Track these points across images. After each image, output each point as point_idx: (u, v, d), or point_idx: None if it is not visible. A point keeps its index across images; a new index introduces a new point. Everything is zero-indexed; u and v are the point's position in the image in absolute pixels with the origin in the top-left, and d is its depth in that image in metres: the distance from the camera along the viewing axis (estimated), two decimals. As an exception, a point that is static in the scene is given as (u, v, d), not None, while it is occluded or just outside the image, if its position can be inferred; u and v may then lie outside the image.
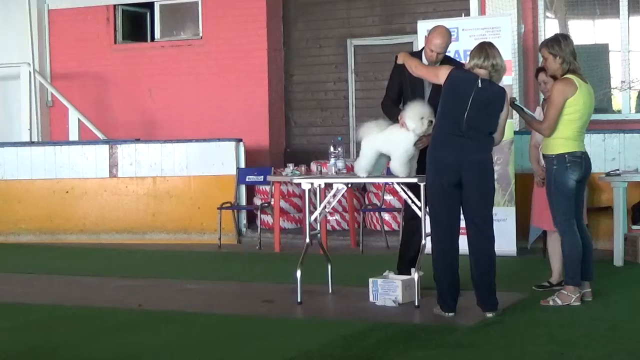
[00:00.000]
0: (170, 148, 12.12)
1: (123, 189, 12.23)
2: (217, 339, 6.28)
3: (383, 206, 11.28)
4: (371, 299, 7.22)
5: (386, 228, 11.18)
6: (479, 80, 6.54)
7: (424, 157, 6.85)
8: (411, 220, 7.51)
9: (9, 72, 14.04)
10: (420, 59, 7.28)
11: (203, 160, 11.97)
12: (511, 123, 9.16)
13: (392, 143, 7.05)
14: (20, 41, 13.81)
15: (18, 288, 8.62)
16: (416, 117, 6.93)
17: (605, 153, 10.00)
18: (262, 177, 11.58)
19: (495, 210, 6.84)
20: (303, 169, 10.87)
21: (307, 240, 7.48)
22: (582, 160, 6.94)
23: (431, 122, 6.88)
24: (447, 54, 7.52)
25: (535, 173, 7.77)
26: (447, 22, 10.05)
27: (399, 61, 7.15)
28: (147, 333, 6.54)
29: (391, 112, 7.34)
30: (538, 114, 7.53)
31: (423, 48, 7.46)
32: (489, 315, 6.62)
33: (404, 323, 6.57)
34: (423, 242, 7.07)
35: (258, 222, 11.55)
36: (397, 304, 7.06)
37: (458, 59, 9.36)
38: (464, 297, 6.78)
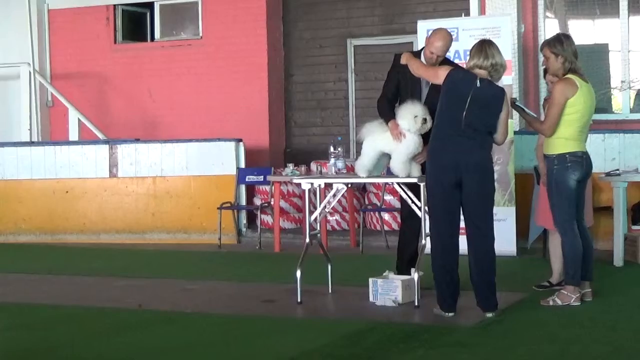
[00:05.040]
0: (170, 148, 12.12)
1: (123, 188, 12.23)
2: (217, 339, 6.28)
3: (383, 206, 11.28)
4: (371, 299, 7.22)
5: (386, 228, 11.18)
6: (478, 80, 6.54)
7: (424, 157, 6.88)
8: (408, 220, 7.52)
9: (9, 72, 14.04)
10: (419, 59, 7.28)
11: (203, 160, 11.97)
12: (511, 123, 9.15)
13: (394, 142, 7.04)
14: (20, 41, 13.82)
15: (18, 288, 8.62)
16: (409, 117, 6.94)
17: (605, 153, 9.99)
18: (262, 177, 11.58)
19: (495, 210, 6.84)
20: (303, 169, 10.87)
21: (307, 240, 7.47)
22: (582, 160, 6.94)
23: (425, 119, 6.89)
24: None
25: (542, 172, 7.76)
26: (447, 22, 10.08)
27: (403, 61, 7.15)
28: (147, 333, 6.55)
29: (385, 114, 7.33)
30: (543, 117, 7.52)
31: (422, 48, 7.47)
32: (489, 315, 6.62)
33: (404, 323, 6.57)
34: (423, 242, 7.07)
35: (258, 222, 11.55)
36: (397, 304, 7.06)
37: (458, 59, 9.38)
38: (464, 297, 6.78)
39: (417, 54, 7.43)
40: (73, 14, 14.23)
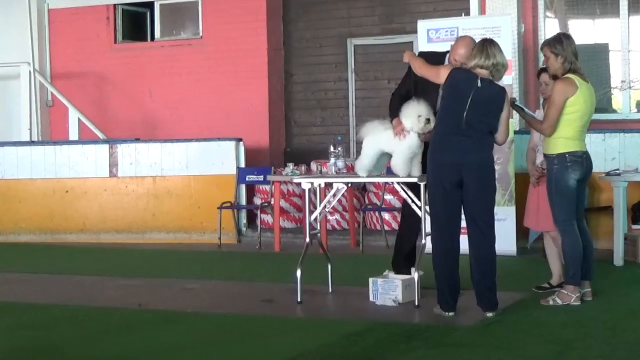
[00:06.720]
0: (170, 148, 12.12)
1: (123, 188, 12.23)
2: (217, 339, 6.28)
3: (383, 206, 11.28)
4: (371, 298, 7.22)
5: (386, 227, 11.18)
6: (479, 80, 6.55)
7: (425, 157, 6.86)
8: (408, 217, 7.52)
9: (9, 72, 14.05)
10: (443, 63, 7.25)
11: (203, 160, 11.97)
12: (512, 122, 9.16)
13: (395, 141, 7.04)
14: (20, 41, 13.83)
15: (18, 287, 8.62)
16: (412, 116, 6.94)
17: (605, 153, 10.00)
18: (262, 176, 11.59)
19: (495, 210, 6.84)
20: (303, 168, 10.87)
21: (307, 239, 7.47)
22: (583, 159, 6.93)
23: (428, 120, 6.89)
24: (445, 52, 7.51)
25: (530, 173, 7.80)
26: (447, 22, 10.11)
27: (405, 60, 7.14)
28: (147, 333, 6.55)
29: (394, 110, 7.32)
30: (539, 115, 7.52)
31: (447, 52, 7.45)
32: (489, 315, 6.62)
33: (404, 323, 6.57)
34: (423, 241, 7.07)
35: (258, 222, 11.55)
36: (397, 303, 7.06)
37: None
38: (464, 297, 6.78)
39: (441, 56, 7.41)
40: (73, 13, 14.23)
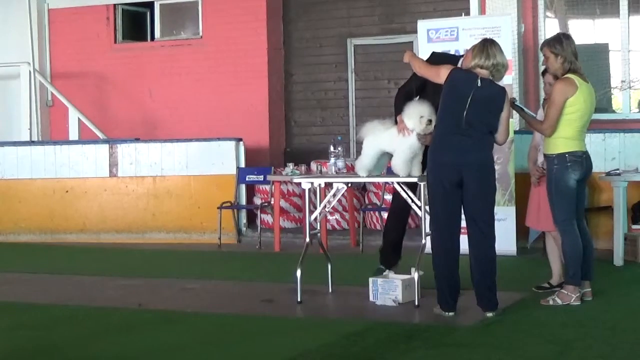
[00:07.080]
0: (170, 147, 12.12)
1: (123, 188, 12.23)
2: (217, 339, 6.28)
3: (383, 205, 11.26)
4: (371, 298, 7.22)
5: (386, 228, 11.16)
6: (479, 80, 6.55)
7: (426, 157, 6.86)
8: (398, 210, 7.55)
9: (9, 72, 14.04)
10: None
11: (203, 160, 11.96)
12: (512, 122, 9.16)
13: (396, 140, 7.04)
14: (20, 41, 13.83)
15: (18, 287, 8.62)
16: (415, 116, 6.94)
17: (606, 152, 10.00)
18: (262, 176, 11.59)
19: (495, 210, 6.84)
20: (303, 168, 10.88)
21: (307, 239, 7.47)
22: (583, 159, 6.93)
23: (430, 120, 6.89)
24: (448, 52, 7.50)
25: (531, 173, 7.80)
26: (447, 22, 10.10)
27: (405, 60, 7.13)
28: (147, 333, 6.55)
29: (398, 107, 7.30)
30: (539, 115, 7.52)
31: (462, 57, 7.44)
32: (489, 315, 6.62)
33: (404, 323, 6.57)
34: (423, 241, 7.08)
35: (258, 222, 11.55)
36: (397, 303, 7.06)
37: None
38: (464, 297, 6.78)
39: (453, 60, 7.39)
40: (73, 13, 14.23)
